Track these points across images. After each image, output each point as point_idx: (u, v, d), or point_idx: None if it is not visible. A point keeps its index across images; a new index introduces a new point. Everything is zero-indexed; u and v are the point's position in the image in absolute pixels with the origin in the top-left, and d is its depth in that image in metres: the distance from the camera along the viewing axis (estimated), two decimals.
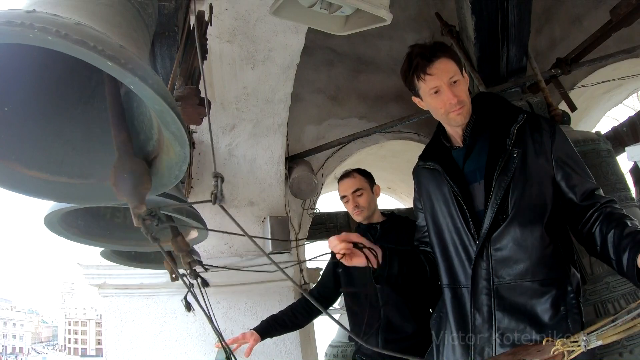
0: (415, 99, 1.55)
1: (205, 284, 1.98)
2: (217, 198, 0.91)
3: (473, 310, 1.43)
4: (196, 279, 1.96)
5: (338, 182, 2.38)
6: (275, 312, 2.32)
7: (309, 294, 2.50)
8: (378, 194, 2.36)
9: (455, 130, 1.55)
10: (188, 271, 1.85)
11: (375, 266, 1.44)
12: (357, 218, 2.30)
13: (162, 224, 0.84)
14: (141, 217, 0.81)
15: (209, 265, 1.70)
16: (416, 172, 1.71)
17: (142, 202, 0.82)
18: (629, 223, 1.28)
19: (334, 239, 1.38)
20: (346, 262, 1.40)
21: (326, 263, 2.50)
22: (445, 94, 1.43)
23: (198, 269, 1.87)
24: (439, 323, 1.59)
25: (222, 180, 0.94)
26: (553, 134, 1.46)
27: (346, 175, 2.34)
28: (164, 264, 1.98)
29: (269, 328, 2.22)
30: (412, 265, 1.58)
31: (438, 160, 1.57)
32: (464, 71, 1.48)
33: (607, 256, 1.29)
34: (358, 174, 2.32)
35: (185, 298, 2.36)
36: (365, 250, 1.39)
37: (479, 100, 1.58)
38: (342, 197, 2.32)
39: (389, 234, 2.25)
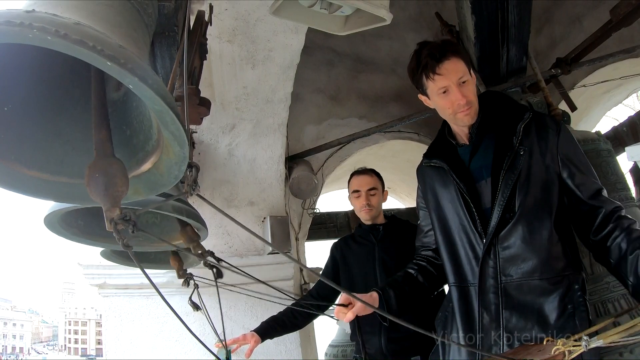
0: (422, 97, 1.54)
1: (220, 274, 1.99)
2: (192, 188, 0.87)
3: (481, 309, 1.43)
4: (212, 269, 1.97)
5: (352, 175, 2.37)
6: (275, 313, 2.32)
7: (308, 294, 2.50)
8: (385, 199, 2.41)
9: (461, 128, 1.55)
10: (202, 262, 1.83)
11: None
12: (365, 216, 2.31)
13: (138, 230, 0.77)
14: (114, 222, 0.76)
15: (218, 260, 1.68)
16: (420, 170, 1.70)
17: (115, 205, 0.76)
18: None
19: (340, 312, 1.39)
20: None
21: (325, 263, 2.50)
22: (453, 94, 1.43)
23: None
24: (444, 322, 1.58)
25: (198, 170, 0.89)
26: (558, 132, 1.46)
27: (363, 171, 2.35)
28: (171, 261, 1.98)
29: (269, 329, 2.22)
30: (410, 292, 1.59)
31: (444, 158, 1.57)
32: (471, 70, 1.48)
33: (623, 276, 1.29)
34: (374, 174, 2.35)
35: (190, 298, 2.36)
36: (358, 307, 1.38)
37: (485, 99, 1.58)
38: (355, 192, 2.31)
39: (391, 235, 2.27)
